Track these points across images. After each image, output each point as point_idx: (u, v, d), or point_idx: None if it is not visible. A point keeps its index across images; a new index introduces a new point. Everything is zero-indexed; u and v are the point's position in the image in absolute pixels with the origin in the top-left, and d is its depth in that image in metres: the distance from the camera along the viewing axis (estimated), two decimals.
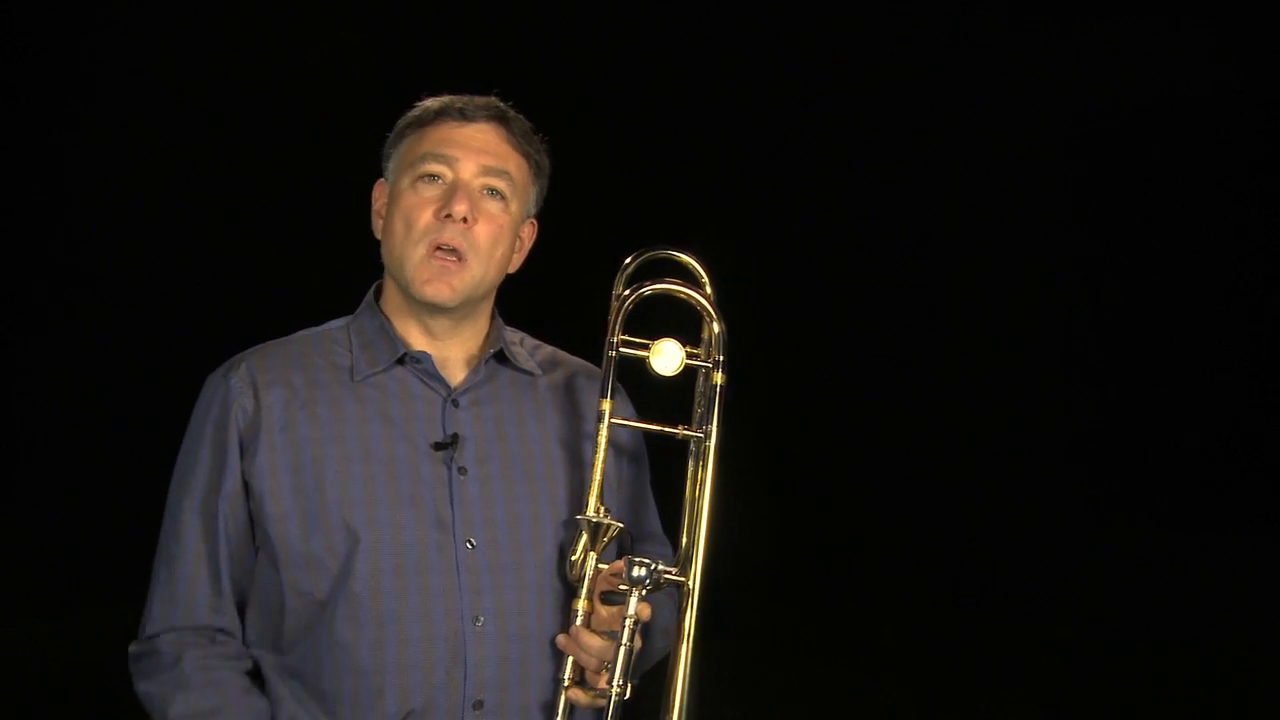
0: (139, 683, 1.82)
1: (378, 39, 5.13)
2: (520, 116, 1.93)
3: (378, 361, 1.87)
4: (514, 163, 1.89)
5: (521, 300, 2.04)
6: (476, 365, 1.91)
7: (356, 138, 1.95)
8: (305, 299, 2.47)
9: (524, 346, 2.00)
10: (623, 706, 1.71)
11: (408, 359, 1.88)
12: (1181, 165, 5.50)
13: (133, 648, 1.84)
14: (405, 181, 1.86)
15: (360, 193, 1.97)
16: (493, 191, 1.86)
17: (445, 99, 1.90)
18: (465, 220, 1.82)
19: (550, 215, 1.99)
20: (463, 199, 1.82)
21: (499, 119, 1.89)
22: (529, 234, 1.97)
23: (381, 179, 1.94)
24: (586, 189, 4.92)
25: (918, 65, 5.57)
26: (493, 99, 1.92)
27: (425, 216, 1.83)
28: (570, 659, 1.78)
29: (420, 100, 1.93)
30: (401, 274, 1.86)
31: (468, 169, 1.85)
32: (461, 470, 1.84)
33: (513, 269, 1.95)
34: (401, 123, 1.92)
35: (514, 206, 1.89)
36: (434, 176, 1.85)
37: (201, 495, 1.82)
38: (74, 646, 5.15)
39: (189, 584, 1.81)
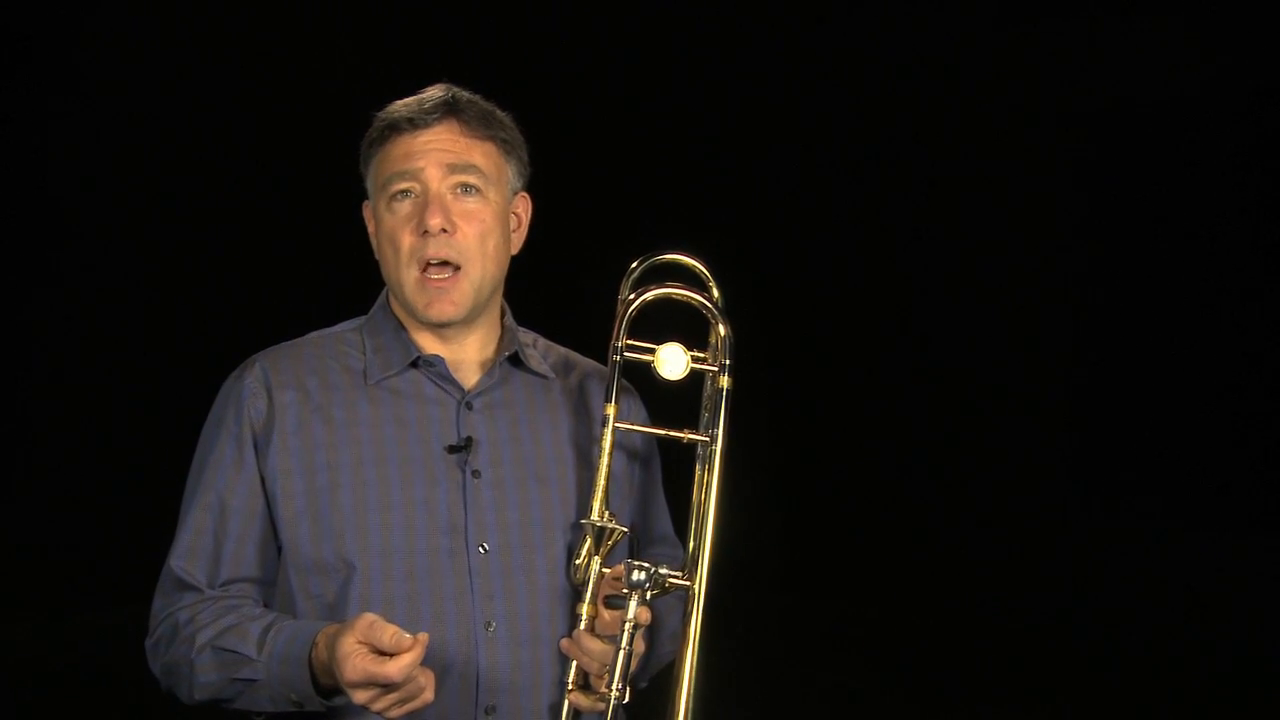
0: (162, 658, 1.79)
1: (389, 37, 5.12)
2: (475, 99, 1.89)
3: (391, 365, 1.87)
4: (479, 152, 1.86)
5: (528, 304, 2.04)
6: (491, 368, 1.90)
7: (364, 136, 1.94)
8: (316, 301, 2.47)
9: (537, 348, 1.99)
10: (622, 710, 1.70)
11: (421, 362, 1.87)
12: (1181, 164, 5.50)
13: (148, 640, 1.83)
14: (381, 205, 1.86)
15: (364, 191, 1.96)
16: (466, 189, 1.84)
17: (393, 110, 1.87)
18: (445, 230, 1.81)
19: (557, 219, 1.98)
20: (435, 211, 1.81)
21: (452, 113, 1.86)
22: (524, 209, 1.95)
23: (367, 200, 1.93)
24: (592, 193, 4.95)
25: (920, 67, 5.58)
26: (442, 90, 1.87)
27: (406, 236, 1.83)
28: (574, 663, 1.77)
29: (375, 114, 1.90)
30: (402, 298, 1.86)
31: (433, 177, 1.83)
32: (475, 473, 1.83)
33: (515, 250, 1.94)
34: (364, 144, 1.90)
35: (493, 195, 1.86)
36: (404, 193, 1.84)
37: (215, 489, 1.81)
38: (83, 644, 5.15)
39: (197, 559, 1.80)
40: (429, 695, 1.63)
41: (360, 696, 1.60)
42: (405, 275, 1.83)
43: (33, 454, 5.21)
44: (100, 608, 5.08)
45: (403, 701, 1.61)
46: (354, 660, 1.57)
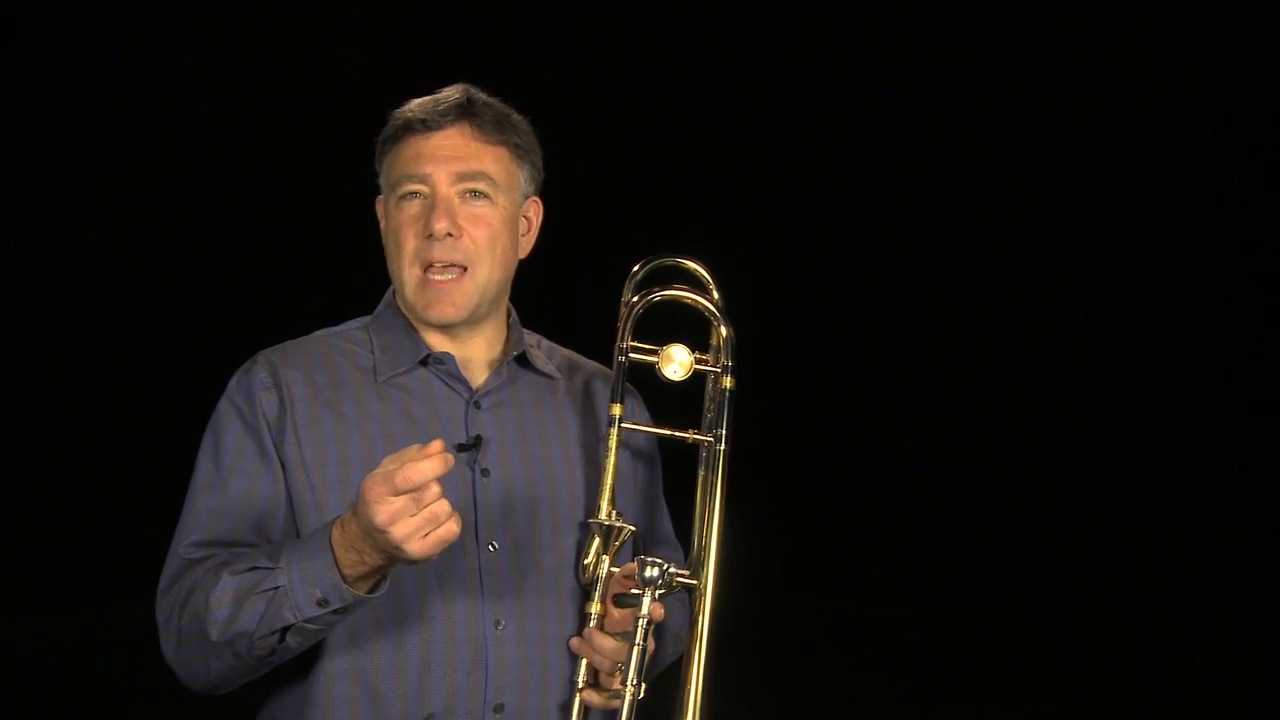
0: (177, 624, 1.71)
1: (393, 38, 5.14)
2: (492, 102, 1.89)
3: (400, 362, 1.87)
4: (490, 158, 1.86)
5: (531, 305, 2.06)
6: (498, 367, 1.91)
7: (368, 135, 1.95)
8: (318, 302, 2.49)
9: (541, 349, 2.00)
10: (638, 706, 1.71)
11: (430, 360, 1.88)
12: (1181, 165, 5.53)
13: (160, 617, 1.76)
14: (391, 202, 1.86)
15: (372, 191, 1.98)
16: (475, 194, 1.84)
17: (409, 109, 1.87)
18: (451, 234, 1.81)
19: (561, 223, 1.99)
20: (441, 215, 1.81)
21: (466, 116, 1.85)
22: (534, 213, 1.95)
23: (380, 195, 1.93)
24: (595, 196, 4.97)
25: (921, 69, 5.60)
26: (459, 92, 1.87)
27: (410, 237, 1.83)
28: (584, 661, 1.78)
29: (392, 111, 1.89)
30: (404, 297, 1.87)
31: (442, 181, 1.83)
32: (484, 472, 1.84)
33: (523, 253, 1.94)
34: (379, 140, 1.90)
35: (503, 200, 1.86)
36: (412, 194, 1.84)
37: (240, 475, 1.79)
38: (83, 644, 5.16)
39: (212, 548, 1.77)
40: (454, 526, 1.56)
41: (383, 515, 1.52)
42: (407, 275, 1.84)
43: (33, 454, 5.22)
44: (101, 607, 5.10)
45: (426, 530, 1.54)
46: (376, 479, 1.53)
